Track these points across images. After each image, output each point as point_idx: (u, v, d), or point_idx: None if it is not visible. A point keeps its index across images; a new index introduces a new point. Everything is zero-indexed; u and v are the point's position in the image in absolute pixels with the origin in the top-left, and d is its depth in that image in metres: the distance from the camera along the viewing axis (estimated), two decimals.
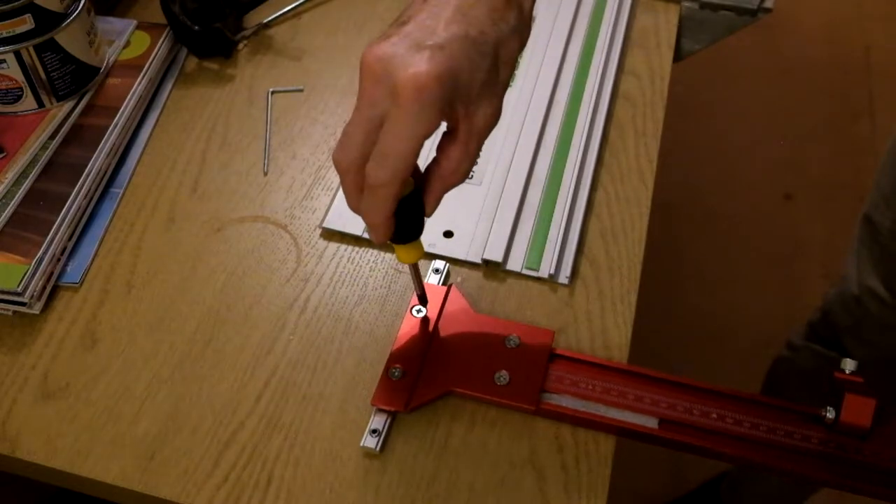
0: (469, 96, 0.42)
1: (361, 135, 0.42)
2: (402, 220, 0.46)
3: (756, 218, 1.73)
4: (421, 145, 0.42)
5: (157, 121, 0.72)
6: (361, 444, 0.53)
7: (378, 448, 0.52)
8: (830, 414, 0.52)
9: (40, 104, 0.68)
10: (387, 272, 0.62)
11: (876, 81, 1.97)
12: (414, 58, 0.40)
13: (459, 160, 0.44)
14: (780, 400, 0.54)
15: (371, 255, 0.63)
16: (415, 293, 0.57)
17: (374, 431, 0.53)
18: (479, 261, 0.62)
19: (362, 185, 0.43)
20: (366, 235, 0.63)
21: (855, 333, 0.95)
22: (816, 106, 1.92)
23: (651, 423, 0.53)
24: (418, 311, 0.58)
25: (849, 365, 0.53)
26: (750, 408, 0.54)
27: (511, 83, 0.62)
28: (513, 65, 0.44)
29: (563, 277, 0.62)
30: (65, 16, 0.66)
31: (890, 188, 0.86)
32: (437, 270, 0.61)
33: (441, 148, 0.45)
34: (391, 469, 0.53)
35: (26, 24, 0.64)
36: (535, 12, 0.78)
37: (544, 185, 0.67)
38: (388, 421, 0.54)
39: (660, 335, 1.44)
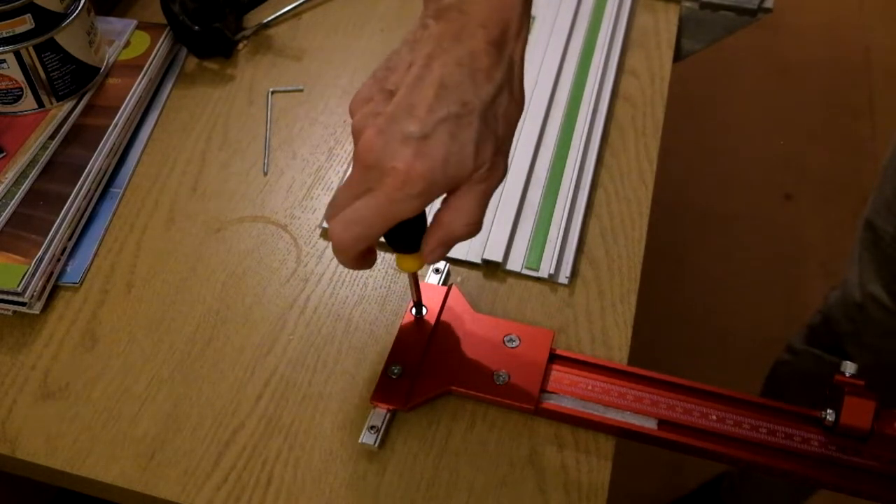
0: (463, 168, 0.42)
1: (352, 202, 0.43)
2: (406, 233, 0.45)
3: (756, 218, 1.73)
4: (390, 227, 0.43)
5: (157, 121, 0.72)
6: (360, 441, 0.52)
7: (376, 444, 0.52)
8: (830, 416, 0.52)
9: (40, 104, 0.68)
10: (387, 272, 0.62)
11: (876, 81, 1.97)
12: (400, 151, 0.40)
13: (460, 213, 0.43)
14: (780, 402, 0.54)
15: None
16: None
17: (372, 427, 0.53)
18: (478, 261, 0.62)
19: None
20: None
21: (856, 339, 0.94)
22: (816, 106, 1.92)
23: (650, 423, 0.53)
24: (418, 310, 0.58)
25: (849, 368, 0.53)
26: (750, 410, 0.54)
27: None
28: (509, 119, 0.44)
29: (563, 277, 0.62)
30: (65, 16, 0.66)
31: (892, 194, 0.85)
32: (437, 270, 0.61)
33: (446, 200, 0.44)
34: (391, 469, 0.53)
35: (26, 24, 0.64)
36: (534, 12, 0.78)
37: (544, 185, 0.67)
38: (387, 417, 0.54)
39: (660, 335, 1.44)
